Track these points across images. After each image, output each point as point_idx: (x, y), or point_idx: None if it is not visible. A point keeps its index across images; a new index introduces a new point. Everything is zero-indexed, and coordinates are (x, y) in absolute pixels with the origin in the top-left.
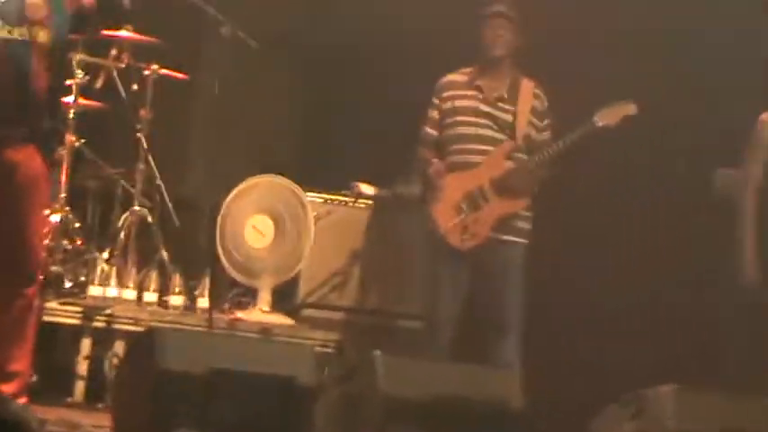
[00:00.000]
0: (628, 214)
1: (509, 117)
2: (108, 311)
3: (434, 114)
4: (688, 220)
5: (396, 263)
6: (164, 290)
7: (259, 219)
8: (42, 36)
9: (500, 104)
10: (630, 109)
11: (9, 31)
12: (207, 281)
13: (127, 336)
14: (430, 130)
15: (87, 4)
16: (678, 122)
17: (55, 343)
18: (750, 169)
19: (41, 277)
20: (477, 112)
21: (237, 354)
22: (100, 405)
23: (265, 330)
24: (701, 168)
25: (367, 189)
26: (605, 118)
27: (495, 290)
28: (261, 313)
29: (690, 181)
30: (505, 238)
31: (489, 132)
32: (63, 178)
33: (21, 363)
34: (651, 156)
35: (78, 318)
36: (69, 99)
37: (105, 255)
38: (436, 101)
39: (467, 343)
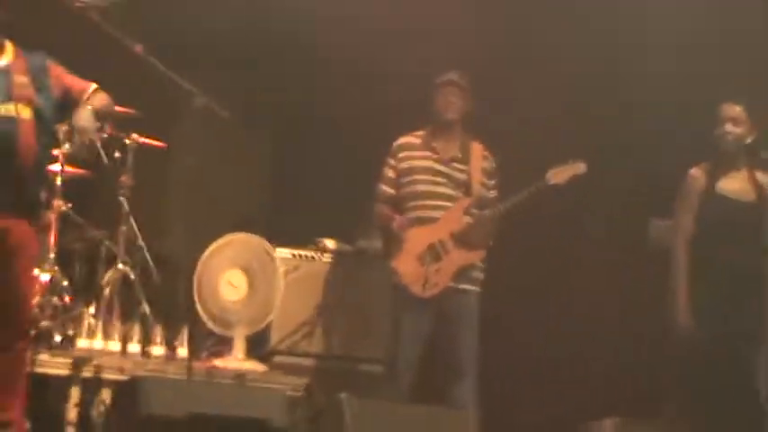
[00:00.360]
0: (571, 265)
1: (463, 176)
2: (95, 362)
3: (390, 173)
4: (626, 269)
5: (358, 311)
6: (146, 341)
7: (233, 273)
8: (27, 113)
9: (454, 164)
10: (580, 168)
11: None
12: (185, 332)
13: (113, 384)
14: (386, 188)
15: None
16: (616, 175)
17: (46, 392)
18: (680, 220)
19: (32, 332)
20: (433, 171)
21: (215, 399)
22: None
23: (240, 376)
24: (638, 220)
25: (330, 244)
26: (556, 177)
27: (453, 335)
28: (236, 361)
29: (627, 234)
30: (463, 287)
31: (446, 190)
32: (51, 240)
33: (14, 412)
34: (592, 206)
35: (68, 368)
36: (56, 167)
37: (92, 310)
38: (392, 161)
39: (426, 386)
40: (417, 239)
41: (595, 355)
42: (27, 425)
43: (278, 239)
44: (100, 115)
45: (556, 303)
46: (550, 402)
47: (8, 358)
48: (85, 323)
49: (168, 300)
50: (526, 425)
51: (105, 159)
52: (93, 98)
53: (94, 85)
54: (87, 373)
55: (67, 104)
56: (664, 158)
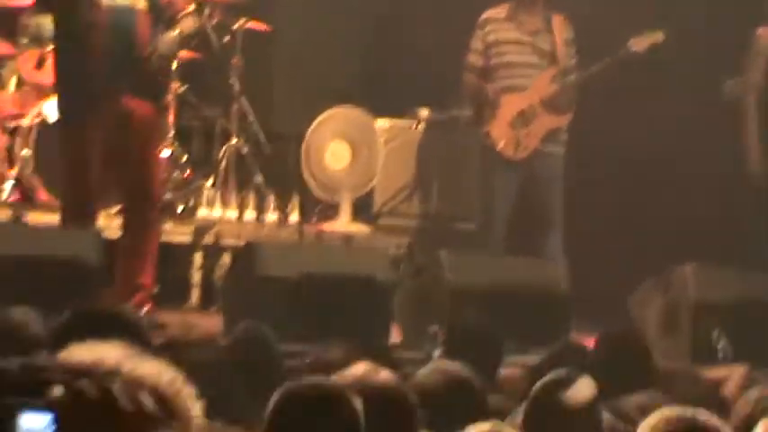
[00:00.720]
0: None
1: (547, 46)
2: (215, 230)
3: (478, 45)
4: (704, 124)
5: (453, 175)
6: (260, 209)
7: (337, 144)
8: (142, 4)
9: (538, 35)
10: (659, 37)
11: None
12: (296, 199)
13: (231, 249)
14: (474, 59)
15: None
16: (695, 43)
17: (172, 258)
18: (751, 77)
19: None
20: (520, 42)
21: (324, 260)
22: (212, 308)
23: (347, 238)
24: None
25: (425, 113)
26: (637, 45)
27: (541, 192)
28: (343, 224)
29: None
30: (550, 149)
31: (532, 59)
32: (171, 120)
33: (147, 276)
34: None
35: (190, 236)
36: None
37: (210, 182)
38: (480, 33)
39: (517, 240)
40: (509, 106)
41: (677, 203)
42: (156, 288)
43: (377, 111)
44: (183, 41)
45: (637, 160)
46: (633, 251)
47: (143, 228)
48: (204, 194)
49: (279, 170)
50: (611, 273)
51: (216, 44)
52: (183, 22)
53: (192, 6)
54: (208, 239)
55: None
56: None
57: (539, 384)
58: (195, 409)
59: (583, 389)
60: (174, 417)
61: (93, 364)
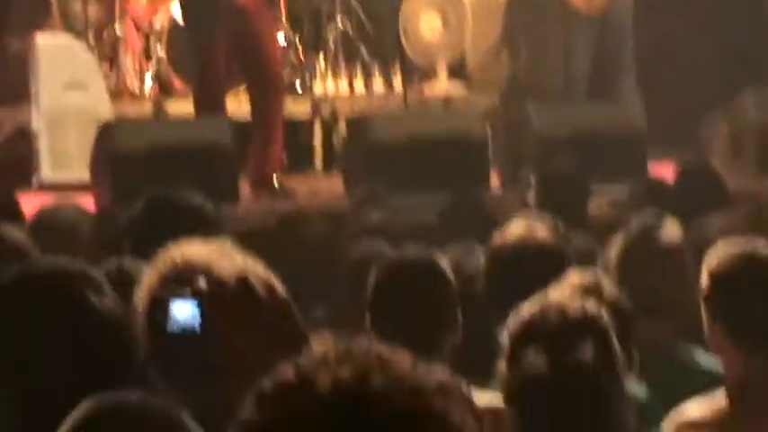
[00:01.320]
0: None
1: None
2: (330, 103)
3: None
4: None
5: (535, 34)
6: (368, 81)
7: (429, 14)
8: None
9: None
10: None
11: None
12: (398, 68)
13: (345, 119)
14: None
15: None
16: None
17: (296, 130)
18: None
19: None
20: None
21: (426, 121)
22: (333, 171)
23: (446, 99)
24: None
25: None
26: None
27: (617, 40)
28: (441, 87)
29: None
30: None
31: None
32: (282, 8)
33: (276, 147)
34: None
35: (309, 110)
36: None
37: (321, 61)
38: None
39: (596, 87)
40: None
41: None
42: (285, 157)
43: None
44: None
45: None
46: (700, 83)
47: (269, 105)
48: (318, 72)
49: (381, 45)
50: (679, 102)
51: None
52: None
53: None
54: (325, 112)
55: None
56: None
57: (632, 227)
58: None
59: (671, 230)
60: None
61: (212, 259)
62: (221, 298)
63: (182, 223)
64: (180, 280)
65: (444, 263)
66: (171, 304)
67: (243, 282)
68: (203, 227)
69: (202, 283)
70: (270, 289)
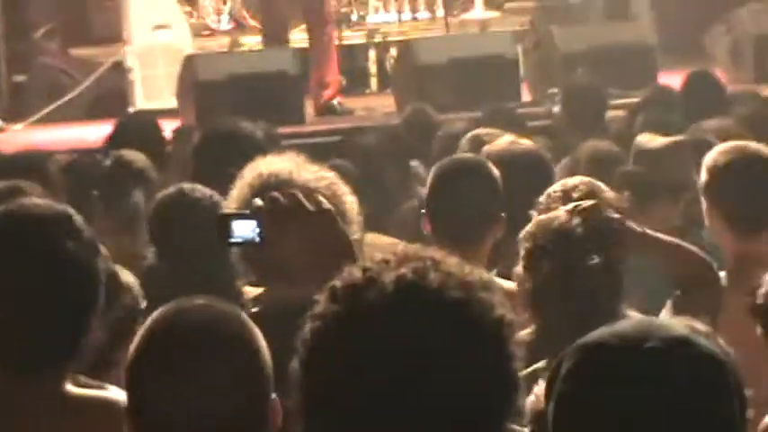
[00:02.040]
0: None
1: None
2: (382, 30)
3: None
4: None
5: None
6: (414, 10)
7: None
8: None
9: None
10: None
11: None
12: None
13: (396, 44)
14: None
15: None
16: None
17: (353, 57)
18: None
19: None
20: None
21: (466, 45)
22: (387, 91)
23: (482, 24)
24: None
25: None
26: None
27: None
28: (478, 13)
29: None
30: None
31: None
32: None
33: (333, 74)
34: None
35: (364, 38)
36: None
37: None
38: None
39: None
40: None
41: None
42: (343, 81)
43: None
44: None
45: None
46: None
47: (324, 37)
48: (370, 4)
49: None
50: (688, 18)
51: None
52: None
53: None
54: (378, 39)
55: None
56: None
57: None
58: (352, 204)
59: None
60: (339, 211)
61: (273, 174)
62: (274, 214)
63: (235, 149)
64: (266, 189)
65: (491, 166)
66: (234, 221)
67: (292, 197)
68: (257, 150)
69: (258, 202)
70: (318, 203)
